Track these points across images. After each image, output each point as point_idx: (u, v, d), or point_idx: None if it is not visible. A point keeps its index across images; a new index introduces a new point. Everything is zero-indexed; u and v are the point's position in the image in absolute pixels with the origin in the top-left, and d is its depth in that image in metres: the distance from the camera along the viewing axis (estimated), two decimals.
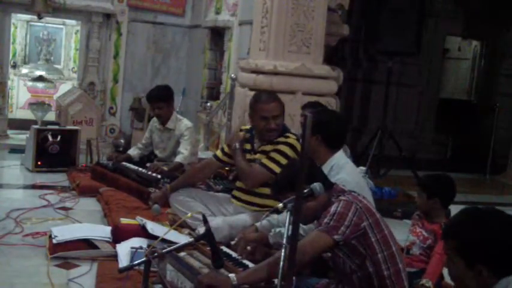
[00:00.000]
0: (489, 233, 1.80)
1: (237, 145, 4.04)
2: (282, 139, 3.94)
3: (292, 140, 3.92)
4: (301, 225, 2.60)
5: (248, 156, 4.07)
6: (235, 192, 4.16)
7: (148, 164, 5.40)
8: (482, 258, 1.79)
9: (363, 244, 2.61)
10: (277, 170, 3.79)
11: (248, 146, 4.12)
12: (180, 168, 5.25)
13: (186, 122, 5.52)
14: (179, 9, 8.92)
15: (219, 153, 4.29)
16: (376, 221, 2.64)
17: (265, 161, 3.89)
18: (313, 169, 2.85)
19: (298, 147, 3.87)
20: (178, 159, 5.30)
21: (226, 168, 5.07)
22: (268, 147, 3.96)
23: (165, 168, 5.23)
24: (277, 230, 3.45)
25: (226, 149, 4.21)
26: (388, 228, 2.69)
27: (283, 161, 3.82)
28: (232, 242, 3.60)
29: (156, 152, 5.64)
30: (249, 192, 4.04)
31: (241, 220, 3.89)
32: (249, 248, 3.30)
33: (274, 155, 3.88)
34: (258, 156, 3.99)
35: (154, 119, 5.64)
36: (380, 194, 5.64)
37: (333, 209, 2.63)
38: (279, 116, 3.93)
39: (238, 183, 4.18)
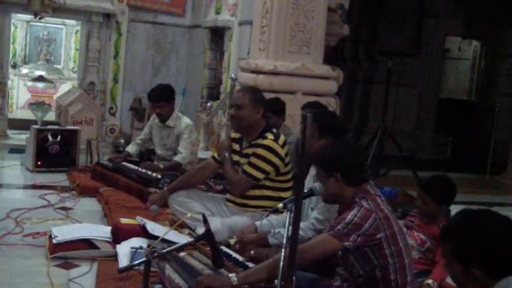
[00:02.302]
0: (483, 235, 1.80)
1: (227, 154, 4.13)
2: (259, 141, 3.96)
3: (268, 141, 3.93)
4: (300, 225, 2.59)
5: (236, 158, 4.14)
6: (228, 196, 4.19)
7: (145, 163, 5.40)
8: (476, 261, 1.78)
9: (376, 254, 2.59)
10: (259, 175, 3.92)
11: (237, 147, 4.17)
12: (178, 168, 5.25)
13: (185, 120, 5.51)
14: (179, 9, 8.92)
15: (217, 155, 4.31)
16: (393, 233, 2.60)
17: (246, 167, 3.95)
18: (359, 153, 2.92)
19: (275, 147, 3.91)
20: (177, 158, 5.31)
21: None
22: (249, 150, 4.00)
23: (161, 166, 5.24)
24: (277, 230, 3.45)
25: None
26: (404, 240, 2.67)
27: (262, 164, 3.90)
28: (231, 240, 3.60)
29: (156, 149, 5.64)
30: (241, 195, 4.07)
31: (240, 222, 3.89)
32: (252, 252, 3.30)
33: (253, 160, 3.93)
34: (242, 160, 4.05)
35: (155, 115, 5.63)
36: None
37: (350, 216, 2.59)
38: (242, 107, 3.96)
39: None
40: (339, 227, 2.58)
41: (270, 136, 3.95)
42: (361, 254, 2.60)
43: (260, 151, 3.91)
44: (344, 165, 2.73)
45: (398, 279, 2.61)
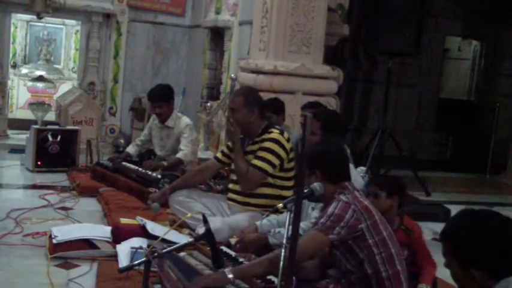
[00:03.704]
0: (482, 236, 1.79)
1: (237, 141, 4.00)
2: (265, 136, 3.98)
3: (275, 134, 3.96)
4: (300, 225, 2.60)
5: None
6: (230, 195, 4.18)
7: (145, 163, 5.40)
8: (476, 262, 1.78)
9: (360, 246, 2.62)
10: (269, 168, 3.89)
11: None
12: (180, 165, 5.25)
13: (185, 120, 5.53)
14: (179, 9, 8.92)
15: (219, 154, 4.32)
16: (375, 223, 2.64)
17: (255, 162, 3.92)
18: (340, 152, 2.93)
19: (281, 140, 3.92)
20: (179, 155, 5.31)
21: (227, 168, 5.08)
22: (255, 147, 4.00)
23: (164, 163, 5.24)
24: (277, 230, 3.45)
25: (226, 150, 4.24)
26: (387, 230, 2.69)
27: (271, 157, 3.89)
28: (232, 240, 3.60)
29: (156, 150, 5.64)
30: (243, 193, 4.06)
31: (241, 221, 3.90)
32: (253, 256, 3.30)
33: (262, 153, 3.92)
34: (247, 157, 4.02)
35: (154, 116, 5.64)
36: None
37: (330, 209, 2.64)
38: (236, 110, 3.98)
39: (231, 186, 4.20)
40: (322, 220, 2.63)
41: (276, 131, 3.99)
42: (346, 247, 2.64)
43: (267, 144, 3.93)
44: (323, 163, 2.80)
45: (389, 270, 2.63)
